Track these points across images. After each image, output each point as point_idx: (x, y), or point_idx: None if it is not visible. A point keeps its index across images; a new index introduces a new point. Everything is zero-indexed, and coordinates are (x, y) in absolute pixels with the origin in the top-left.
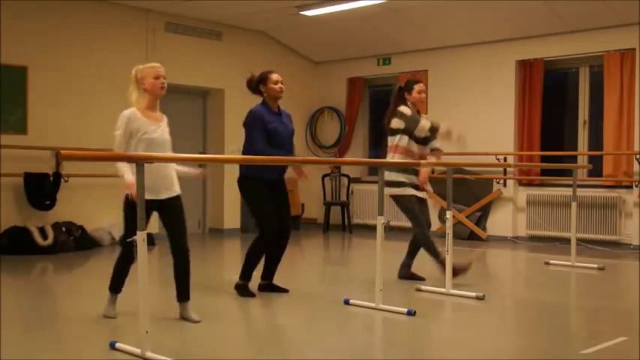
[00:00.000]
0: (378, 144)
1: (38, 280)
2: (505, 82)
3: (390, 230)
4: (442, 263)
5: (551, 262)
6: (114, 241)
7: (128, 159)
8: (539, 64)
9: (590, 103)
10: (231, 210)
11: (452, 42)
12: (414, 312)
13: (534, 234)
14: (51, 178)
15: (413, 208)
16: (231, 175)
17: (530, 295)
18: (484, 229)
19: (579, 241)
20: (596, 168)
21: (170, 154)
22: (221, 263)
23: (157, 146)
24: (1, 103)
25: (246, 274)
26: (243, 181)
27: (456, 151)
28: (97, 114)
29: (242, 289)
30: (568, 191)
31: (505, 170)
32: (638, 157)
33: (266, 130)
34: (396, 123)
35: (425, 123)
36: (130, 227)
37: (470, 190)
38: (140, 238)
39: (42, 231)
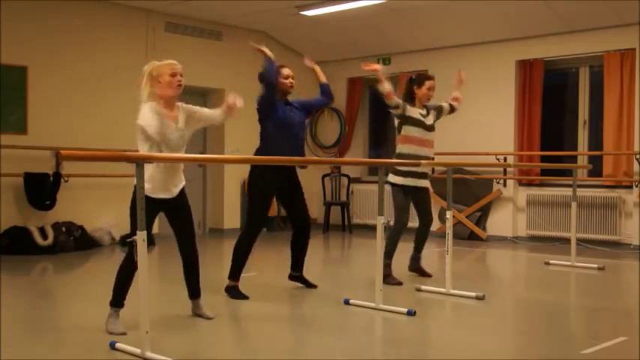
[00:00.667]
0: (378, 144)
1: (38, 280)
2: (505, 82)
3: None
4: (387, 267)
5: (551, 262)
6: (114, 241)
7: (128, 159)
8: (539, 64)
9: (590, 103)
10: (231, 210)
11: (452, 42)
12: (414, 312)
13: (534, 234)
14: (51, 178)
15: (399, 201)
16: (232, 175)
17: (530, 295)
18: (484, 229)
19: (579, 241)
20: (596, 168)
21: (171, 154)
22: (221, 263)
23: (172, 148)
24: (1, 103)
25: (234, 273)
26: (254, 170)
27: (456, 150)
28: (97, 114)
29: (233, 291)
30: (568, 191)
31: (505, 170)
32: (638, 157)
33: (276, 119)
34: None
35: (418, 109)
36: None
37: (470, 190)
38: (140, 238)
39: (42, 231)
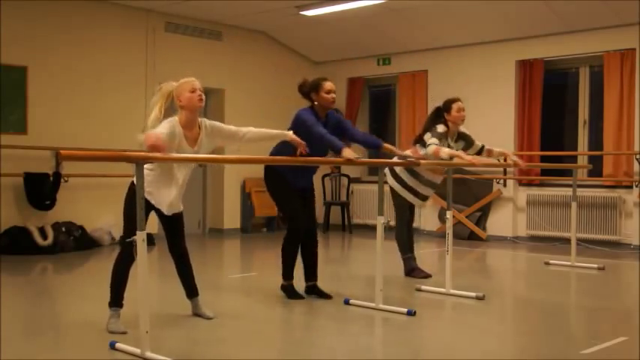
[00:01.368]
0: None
1: (38, 280)
2: (505, 82)
3: (390, 230)
4: (408, 260)
5: (551, 262)
6: (114, 241)
7: (128, 159)
8: (539, 64)
9: (590, 103)
10: (231, 210)
11: (452, 42)
12: (414, 312)
13: (534, 234)
14: (51, 178)
15: (404, 209)
16: (232, 175)
17: (530, 295)
18: (484, 229)
19: (579, 241)
20: (596, 168)
21: (171, 154)
22: (221, 263)
23: (182, 168)
24: (1, 103)
25: (285, 272)
26: (268, 172)
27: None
28: (97, 114)
29: (288, 290)
30: (568, 191)
31: (505, 170)
32: (638, 157)
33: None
34: (427, 137)
35: (445, 151)
36: (130, 226)
37: (470, 190)
38: (140, 238)
39: (42, 231)
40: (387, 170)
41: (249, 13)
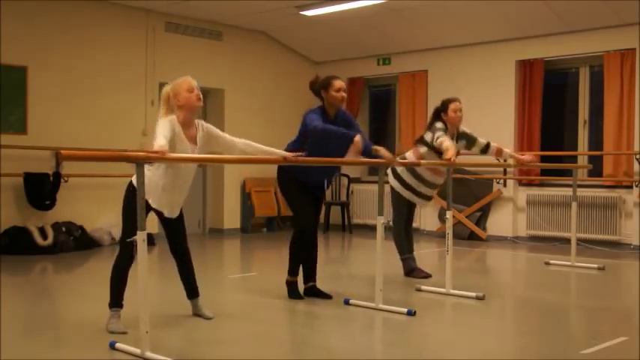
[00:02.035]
0: (377, 144)
1: (38, 280)
2: (505, 82)
3: (390, 230)
4: (407, 261)
5: (551, 262)
6: (114, 241)
7: (128, 159)
8: (539, 64)
9: (590, 103)
10: (231, 210)
11: (452, 42)
12: (414, 312)
13: (534, 234)
14: (51, 178)
15: (402, 208)
16: (232, 175)
17: (530, 295)
18: (484, 229)
19: (579, 241)
20: (596, 168)
21: (171, 154)
22: (221, 263)
23: (181, 170)
24: (1, 103)
25: (291, 268)
26: (280, 172)
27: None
28: (97, 114)
29: (290, 287)
30: (568, 191)
31: (505, 170)
32: (638, 157)
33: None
34: (427, 135)
35: (449, 145)
36: (129, 227)
37: (470, 190)
38: (140, 238)
39: (42, 231)
40: (389, 170)
41: (249, 13)
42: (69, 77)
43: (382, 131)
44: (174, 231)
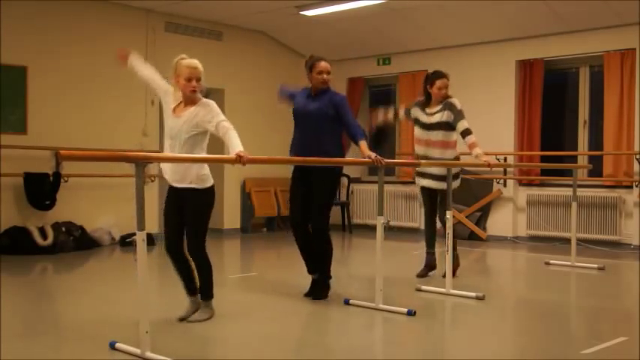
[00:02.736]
0: (377, 144)
1: (38, 280)
2: (505, 82)
3: (390, 230)
4: (429, 255)
5: (551, 262)
6: (114, 241)
7: (128, 159)
8: (539, 64)
9: (590, 103)
10: (231, 210)
11: (452, 42)
12: (414, 312)
13: (534, 234)
14: (51, 178)
15: (423, 199)
16: (232, 175)
17: (530, 295)
18: (484, 229)
19: (579, 241)
20: (596, 168)
21: (170, 154)
22: (221, 263)
23: (171, 135)
24: (1, 103)
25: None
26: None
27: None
28: (97, 114)
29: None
30: (568, 191)
31: (505, 170)
32: (638, 157)
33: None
34: (435, 112)
35: (428, 109)
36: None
37: (470, 190)
38: (140, 238)
39: (42, 231)
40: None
41: (249, 13)
42: (69, 77)
43: (382, 131)
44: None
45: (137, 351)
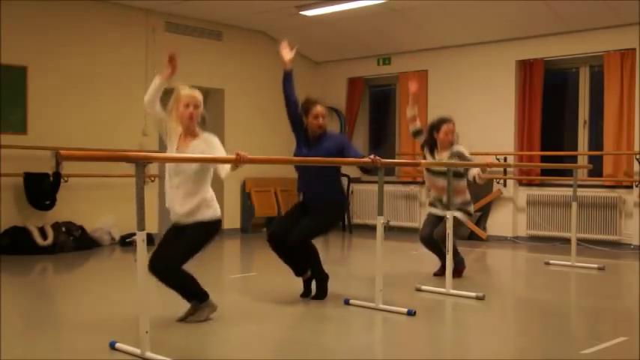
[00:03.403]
0: (377, 144)
1: (38, 280)
2: (505, 82)
3: (390, 230)
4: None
5: (551, 262)
6: (114, 241)
7: (128, 159)
8: (539, 64)
9: (590, 103)
10: (231, 210)
11: (452, 42)
12: (414, 312)
13: (534, 234)
14: (51, 178)
15: (425, 219)
16: (232, 175)
17: (530, 295)
18: (484, 229)
19: (579, 241)
20: (596, 168)
21: (169, 154)
22: (221, 263)
23: (176, 171)
24: (1, 103)
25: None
26: None
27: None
28: (97, 114)
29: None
30: (568, 191)
31: (505, 170)
32: (638, 157)
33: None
34: (443, 155)
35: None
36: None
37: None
38: (140, 238)
39: (42, 231)
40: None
41: (249, 13)
42: (69, 77)
43: (382, 131)
44: (171, 241)
45: (137, 351)
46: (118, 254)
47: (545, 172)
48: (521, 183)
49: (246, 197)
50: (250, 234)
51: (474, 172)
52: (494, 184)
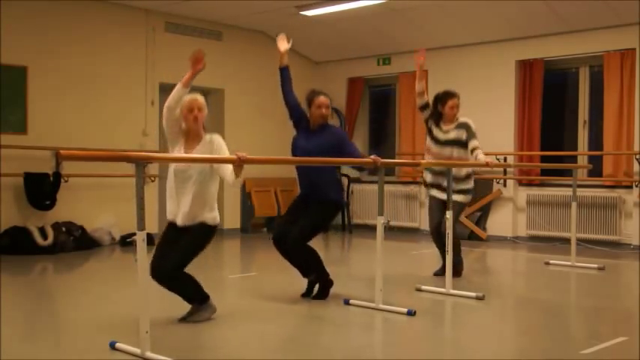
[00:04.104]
0: (378, 144)
1: (38, 280)
2: (505, 82)
3: (390, 230)
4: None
5: (551, 262)
6: (114, 241)
7: (128, 159)
8: (539, 64)
9: (590, 103)
10: (231, 210)
11: (452, 42)
12: (414, 312)
13: (534, 234)
14: (51, 178)
15: (429, 206)
16: (233, 175)
17: (530, 295)
18: (484, 229)
19: (579, 241)
20: (596, 168)
21: (170, 154)
22: (221, 263)
23: (183, 178)
24: (1, 103)
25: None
26: None
27: None
28: (97, 114)
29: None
30: (568, 191)
31: (505, 170)
32: (638, 157)
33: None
34: (450, 130)
35: (438, 134)
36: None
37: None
38: (140, 238)
39: (42, 231)
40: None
41: (249, 13)
42: (69, 77)
43: (382, 131)
44: (172, 244)
45: (137, 351)
46: (118, 254)
47: (545, 172)
48: (521, 183)
49: (246, 197)
50: (250, 234)
51: (483, 157)
52: (494, 184)
